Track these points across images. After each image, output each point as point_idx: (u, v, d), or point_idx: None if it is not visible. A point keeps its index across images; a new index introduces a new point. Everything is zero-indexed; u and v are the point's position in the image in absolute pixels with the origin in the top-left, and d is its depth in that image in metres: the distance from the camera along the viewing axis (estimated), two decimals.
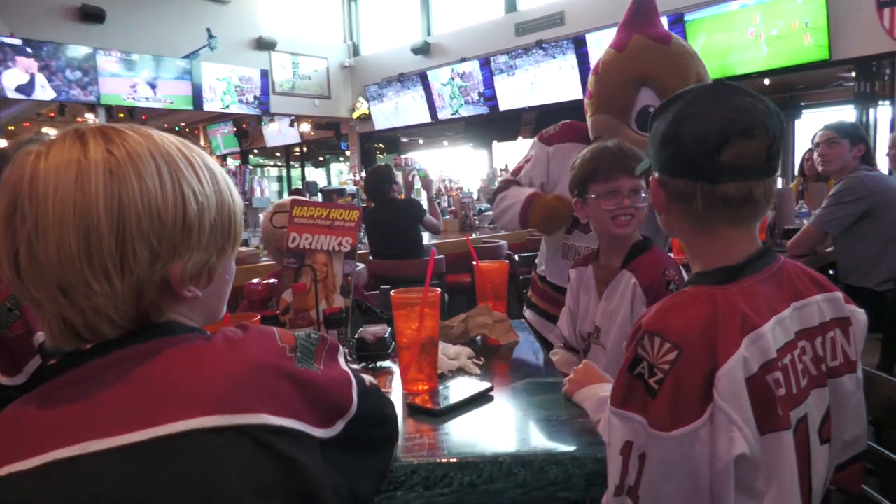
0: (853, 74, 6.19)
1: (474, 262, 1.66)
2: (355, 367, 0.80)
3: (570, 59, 7.33)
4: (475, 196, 6.40)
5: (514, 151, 9.82)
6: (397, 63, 9.16)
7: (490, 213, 5.84)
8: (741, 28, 6.03)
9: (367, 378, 0.79)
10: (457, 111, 8.68)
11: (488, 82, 8.16)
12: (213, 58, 7.78)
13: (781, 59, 5.90)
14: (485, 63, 8.09)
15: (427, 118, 9.02)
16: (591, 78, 1.79)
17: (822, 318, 0.87)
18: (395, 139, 10.98)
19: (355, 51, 10.02)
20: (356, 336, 1.33)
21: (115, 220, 0.60)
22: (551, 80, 7.58)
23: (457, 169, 9.62)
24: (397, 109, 9.28)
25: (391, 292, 1.19)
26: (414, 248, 3.67)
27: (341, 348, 0.77)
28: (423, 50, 8.96)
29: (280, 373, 0.65)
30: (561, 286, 1.77)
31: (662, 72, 1.62)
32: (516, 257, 3.28)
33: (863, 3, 5.51)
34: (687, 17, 6.31)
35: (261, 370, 0.63)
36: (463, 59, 8.35)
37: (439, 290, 1.17)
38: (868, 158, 2.67)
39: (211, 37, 7.52)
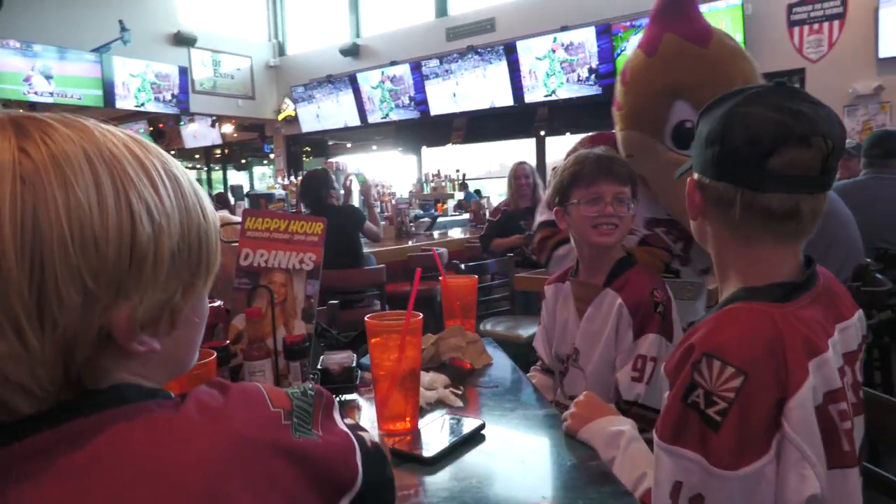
0: None
1: (441, 277, 1.53)
2: (349, 421, 0.65)
3: (502, 66, 7.36)
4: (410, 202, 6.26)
5: (444, 157, 9.75)
6: (325, 64, 8.91)
7: (426, 219, 5.73)
8: None
9: (367, 437, 0.64)
10: (387, 115, 8.53)
11: (419, 86, 8.06)
12: (127, 52, 7.26)
13: None
14: (416, 67, 7.99)
15: (356, 121, 8.82)
16: (617, 86, 1.54)
17: (857, 340, 0.81)
18: (322, 142, 10.67)
19: (281, 50, 9.67)
20: (319, 366, 1.17)
21: (29, 250, 0.42)
22: (483, 86, 7.57)
23: (386, 174, 9.46)
24: (325, 112, 9.03)
25: (366, 318, 1.03)
26: (355, 257, 3.49)
27: (336, 402, 0.62)
28: (352, 52, 8.75)
29: (276, 450, 0.49)
30: None
31: (700, 81, 1.36)
32: (462, 266, 3.17)
33: (776, 22, 5.81)
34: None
35: (252, 449, 0.48)
36: (393, 63, 8.21)
37: (421, 315, 1.03)
38: None
39: (124, 29, 7.01)
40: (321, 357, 1.21)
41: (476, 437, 0.98)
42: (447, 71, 7.81)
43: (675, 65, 1.38)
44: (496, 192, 11.10)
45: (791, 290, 0.75)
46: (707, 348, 0.68)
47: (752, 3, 5.81)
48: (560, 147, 9.20)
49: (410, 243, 4.58)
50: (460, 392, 1.19)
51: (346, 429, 0.60)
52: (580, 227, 1.35)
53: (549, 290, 1.50)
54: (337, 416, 0.61)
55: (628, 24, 6.33)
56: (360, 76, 8.50)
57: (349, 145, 11.32)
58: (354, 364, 1.18)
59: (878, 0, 4.95)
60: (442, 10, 8.18)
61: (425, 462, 0.89)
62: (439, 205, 7.75)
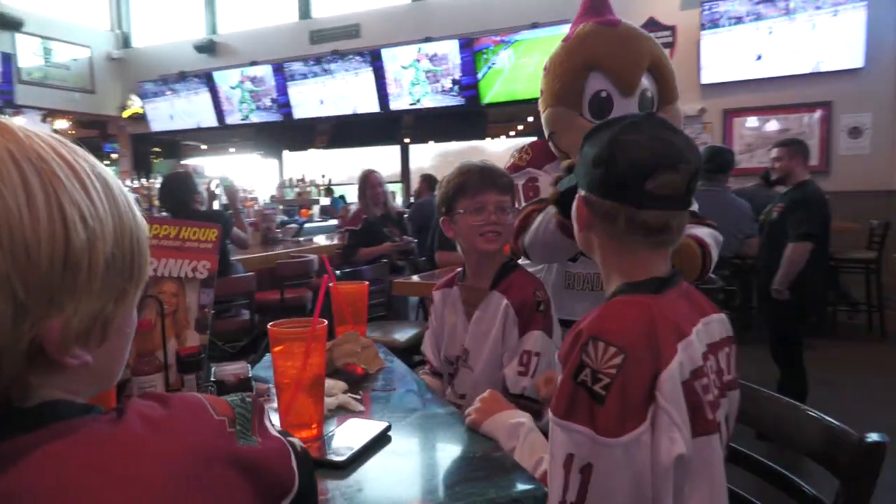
0: None
1: (331, 284, 1.52)
2: (277, 427, 0.65)
3: (367, 72, 7.37)
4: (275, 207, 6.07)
5: (305, 161, 9.55)
6: (178, 60, 8.38)
7: (293, 225, 5.58)
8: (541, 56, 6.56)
9: (296, 441, 0.65)
10: (247, 116, 8.21)
11: (282, 88, 7.85)
12: None
13: None
14: (278, 68, 7.77)
15: (213, 122, 8.39)
16: (542, 77, 1.60)
17: (721, 335, 0.93)
18: (174, 143, 9.99)
19: (125, 41, 8.93)
20: (213, 378, 1.12)
21: None
22: (348, 92, 7.54)
23: (245, 177, 9.09)
24: (178, 111, 8.49)
25: (269, 326, 1.02)
26: (222, 265, 3.32)
27: (266, 409, 0.62)
28: (209, 48, 8.31)
29: (224, 458, 0.49)
30: (567, 319, 1.49)
31: (611, 52, 1.47)
32: (338, 273, 3.13)
33: None
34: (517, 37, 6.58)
35: (202, 460, 0.47)
36: (254, 63, 7.92)
37: (326, 321, 1.03)
38: None
39: None
40: (213, 369, 1.16)
41: (383, 439, 1.00)
42: (311, 74, 7.68)
43: (589, 41, 1.49)
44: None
45: (663, 284, 0.88)
46: (593, 332, 0.78)
47: None
48: (424, 155, 9.41)
49: (278, 250, 4.45)
50: (359, 397, 1.21)
51: (278, 434, 0.60)
52: (467, 235, 1.42)
53: (437, 295, 1.56)
54: (268, 422, 0.61)
55: (498, 38, 6.62)
56: (217, 75, 8.09)
57: (204, 147, 10.70)
58: (250, 374, 1.15)
59: (699, 32, 5.63)
60: (305, 12, 8.03)
61: (338, 466, 0.90)
62: (303, 210, 7.59)
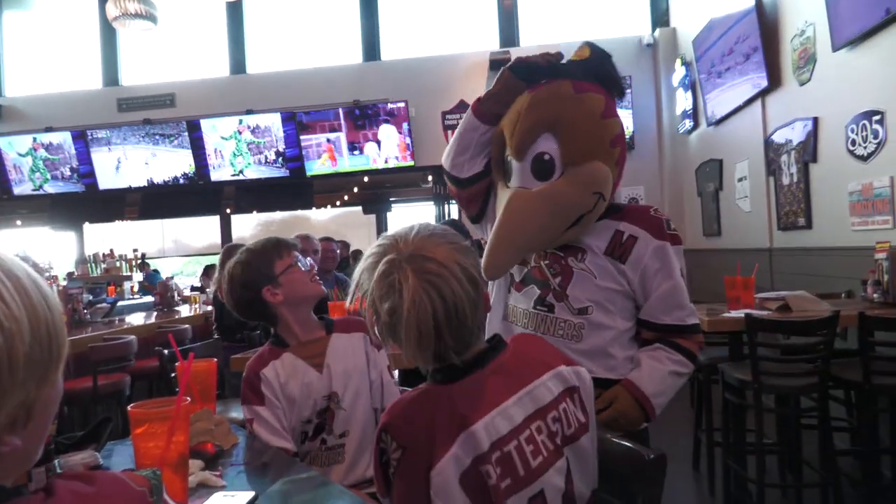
0: (430, 178, 7.67)
1: (178, 363, 1.51)
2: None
3: (183, 142, 7.15)
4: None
5: (111, 234, 8.81)
6: None
7: (104, 305, 5.11)
8: None
9: None
10: (40, 187, 7.45)
11: (84, 157, 7.28)
12: None
13: (379, 163, 6.95)
14: (79, 136, 7.21)
15: None
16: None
17: (552, 395, 0.95)
18: None
19: None
20: (60, 471, 1.07)
21: None
22: (163, 161, 7.22)
23: (35, 253, 8.11)
24: None
25: (129, 408, 1.02)
26: None
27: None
28: None
29: None
30: None
31: (511, 119, 1.41)
32: (165, 352, 2.96)
33: (434, 125, 6.97)
34: None
35: None
36: (49, 129, 7.27)
37: (189, 399, 1.06)
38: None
39: None
40: (56, 461, 1.10)
41: None
42: (119, 143, 7.24)
43: (558, 103, 1.40)
44: (171, 271, 10.32)
45: (463, 371, 0.92)
46: (385, 425, 0.91)
47: (415, 106, 6.86)
48: (246, 224, 9.16)
49: (87, 333, 4.06)
50: (218, 473, 1.22)
51: (172, 501, 0.66)
52: (301, 285, 1.55)
53: (270, 372, 1.52)
54: (165, 495, 0.66)
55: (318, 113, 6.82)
56: (1, 140, 7.29)
57: None
58: (101, 462, 1.12)
59: None
60: (112, 78, 7.63)
61: None
62: (111, 287, 6.95)
